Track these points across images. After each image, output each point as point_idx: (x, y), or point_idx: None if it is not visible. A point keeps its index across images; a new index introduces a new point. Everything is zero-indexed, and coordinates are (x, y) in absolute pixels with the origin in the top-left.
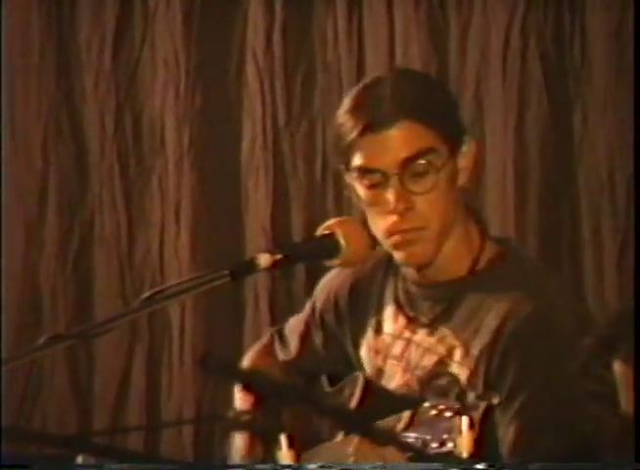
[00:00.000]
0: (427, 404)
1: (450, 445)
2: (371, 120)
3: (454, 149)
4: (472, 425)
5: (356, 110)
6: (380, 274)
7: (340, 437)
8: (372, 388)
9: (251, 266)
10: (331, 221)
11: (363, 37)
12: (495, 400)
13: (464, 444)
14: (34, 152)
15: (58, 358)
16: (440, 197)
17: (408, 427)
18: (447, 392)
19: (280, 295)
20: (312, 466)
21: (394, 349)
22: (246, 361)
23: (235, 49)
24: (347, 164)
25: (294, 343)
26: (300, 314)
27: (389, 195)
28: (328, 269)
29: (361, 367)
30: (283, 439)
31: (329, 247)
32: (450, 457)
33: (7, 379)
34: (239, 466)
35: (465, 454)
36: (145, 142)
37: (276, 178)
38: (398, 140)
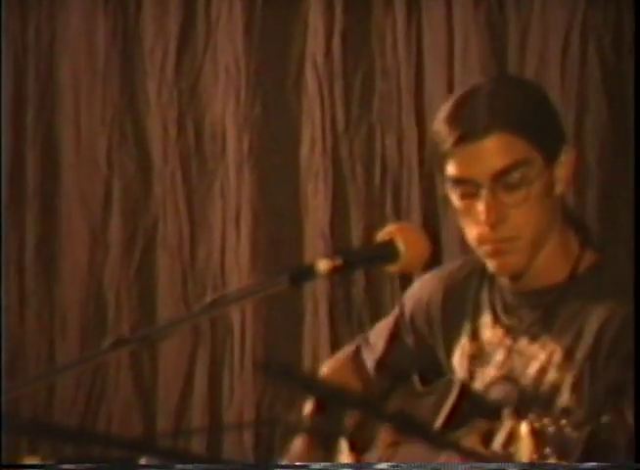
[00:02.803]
0: (531, 416)
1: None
2: (465, 131)
3: (551, 159)
4: (534, 431)
5: (452, 119)
6: (475, 281)
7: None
8: (467, 393)
9: (310, 272)
10: (390, 227)
11: (422, 42)
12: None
13: (524, 448)
14: (99, 158)
15: (122, 361)
16: (534, 208)
17: (506, 442)
18: (548, 401)
19: (339, 300)
20: (382, 465)
21: (495, 356)
22: (326, 370)
23: (294, 55)
24: (442, 173)
25: (381, 342)
26: (387, 319)
27: (481, 206)
28: (388, 276)
29: (453, 373)
30: (344, 443)
31: (388, 252)
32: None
33: (72, 382)
34: (298, 466)
35: (525, 459)
36: (206, 148)
37: (335, 183)
38: (492, 151)
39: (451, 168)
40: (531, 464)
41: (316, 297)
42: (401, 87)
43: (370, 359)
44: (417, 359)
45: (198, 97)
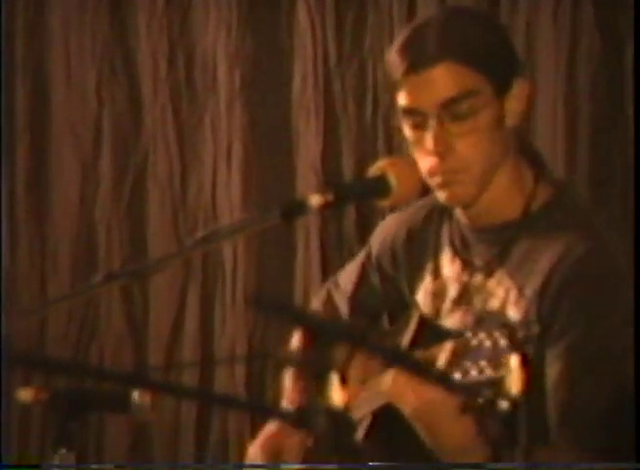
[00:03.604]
0: (468, 334)
1: (488, 372)
2: (414, 60)
3: (502, 90)
4: (524, 363)
5: (402, 49)
6: (435, 219)
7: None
8: (425, 324)
9: (302, 207)
10: (382, 161)
11: None
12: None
13: (513, 381)
14: (89, 92)
15: (113, 296)
16: (483, 139)
17: (450, 355)
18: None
19: (331, 235)
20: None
21: (453, 292)
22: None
23: None
24: (395, 103)
25: (349, 282)
26: (355, 261)
27: (429, 136)
28: (379, 210)
29: (418, 310)
30: (334, 377)
31: (380, 187)
32: (491, 385)
33: (64, 315)
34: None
35: (514, 391)
36: (197, 82)
37: (327, 118)
38: (440, 81)
39: (401, 98)
40: (532, 464)
41: (308, 231)
42: (393, 20)
43: (342, 302)
44: (385, 300)
45: (188, 30)
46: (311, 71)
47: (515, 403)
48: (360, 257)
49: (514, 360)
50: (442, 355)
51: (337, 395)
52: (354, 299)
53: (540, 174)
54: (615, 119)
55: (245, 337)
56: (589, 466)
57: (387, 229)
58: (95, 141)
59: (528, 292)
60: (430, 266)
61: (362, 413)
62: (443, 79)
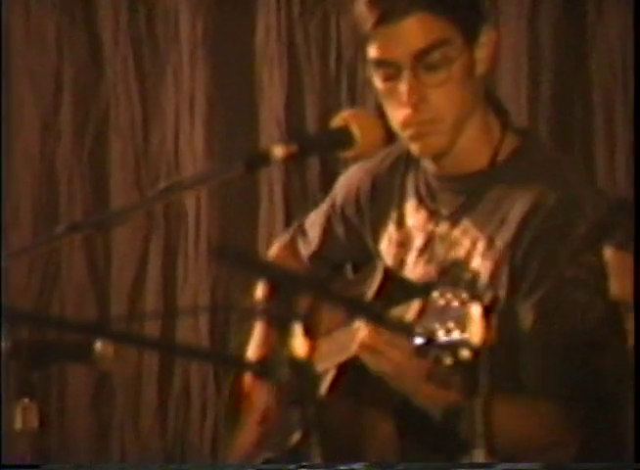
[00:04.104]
0: (435, 293)
1: (456, 333)
2: (385, 11)
3: (471, 39)
4: (486, 313)
5: (371, 1)
6: (401, 168)
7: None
8: (390, 277)
9: (265, 158)
10: (345, 113)
11: None
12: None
13: (475, 331)
14: (49, 43)
15: (75, 247)
16: (455, 89)
17: (417, 316)
18: (468, 284)
19: (294, 186)
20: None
21: (417, 241)
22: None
23: None
24: (365, 55)
25: (315, 235)
26: (320, 209)
27: (402, 87)
28: (342, 162)
29: (381, 259)
30: (298, 328)
31: (343, 138)
32: (458, 345)
33: (26, 267)
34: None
35: (476, 341)
36: (159, 33)
37: (290, 69)
38: (411, 31)
39: (372, 50)
40: (533, 464)
41: (271, 183)
42: None
43: (305, 250)
44: (349, 249)
45: None
46: (274, 23)
47: (476, 353)
48: (324, 207)
49: (475, 310)
50: (409, 316)
51: (300, 345)
52: (319, 250)
53: (506, 123)
54: (576, 65)
55: (208, 288)
56: (589, 466)
57: (351, 179)
58: (55, 92)
59: (499, 243)
60: (394, 216)
61: (327, 366)
62: (415, 30)
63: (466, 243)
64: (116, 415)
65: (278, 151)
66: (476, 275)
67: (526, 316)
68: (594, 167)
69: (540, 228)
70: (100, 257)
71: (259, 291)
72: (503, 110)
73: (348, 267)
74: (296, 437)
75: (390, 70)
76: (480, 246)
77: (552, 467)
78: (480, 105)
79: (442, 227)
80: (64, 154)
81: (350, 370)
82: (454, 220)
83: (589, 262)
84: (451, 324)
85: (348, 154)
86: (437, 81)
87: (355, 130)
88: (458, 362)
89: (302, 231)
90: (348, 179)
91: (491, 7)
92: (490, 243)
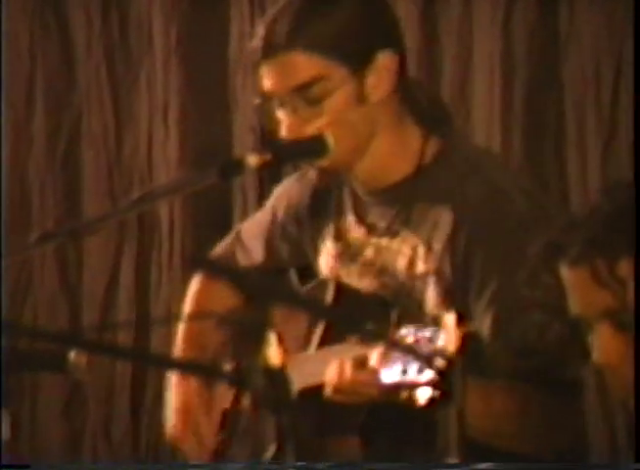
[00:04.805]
0: (402, 333)
1: (428, 372)
2: (268, 47)
3: (359, 68)
4: (459, 321)
5: (261, 34)
6: (337, 182)
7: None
8: (344, 291)
9: (239, 166)
10: (321, 121)
11: None
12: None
13: (449, 339)
14: (21, 49)
15: (48, 256)
16: (339, 119)
17: (381, 358)
18: (420, 293)
19: (268, 195)
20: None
21: (359, 255)
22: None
23: None
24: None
25: (258, 248)
26: (258, 220)
27: (285, 121)
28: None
29: (322, 273)
30: (272, 336)
31: (318, 147)
32: (428, 383)
33: None
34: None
35: (450, 349)
36: (132, 40)
37: None
38: (289, 68)
39: (262, 80)
40: (533, 464)
41: (245, 191)
42: None
43: (244, 260)
44: (291, 262)
45: None
46: (248, 30)
47: (451, 362)
48: (265, 218)
49: (450, 319)
50: (374, 357)
51: (274, 354)
52: (264, 263)
53: (430, 130)
54: (549, 74)
55: (181, 297)
56: (589, 466)
57: (290, 192)
58: (28, 99)
59: (437, 246)
60: (331, 228)
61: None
62: (292, 67)
63: (407, 251)
64: (89, 424)
65: (252, 159)
66: (422, 281)
67: (483, 320)
68: (565, 173)
69: (472, 226)
70: (72, 266)
71: (234, 300)
72: (426, 116)
73: (293, 274)
74: (271, 447)
75: (275, 101)
76: (421, 252)
77: (552, 467)
78: (385, 124)
79: (382, 240)
80: (36, 161)
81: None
82: (392, 232)
83: (546, 282)
84: (419, 366)
85: (323, 163)
86: (317, 114)
87: (330, 139)
88: (432, 402)
89: (240, 241)
90: (287, 192)
91: (465, 13)
92: (429, 247)
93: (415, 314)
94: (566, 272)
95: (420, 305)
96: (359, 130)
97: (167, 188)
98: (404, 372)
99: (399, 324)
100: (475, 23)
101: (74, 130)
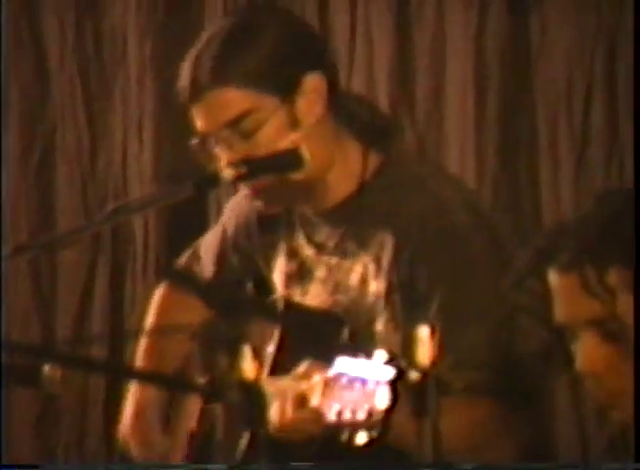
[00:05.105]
0: (335, 373)
1: (365, 412)
2: (194, 86)
3: (288, 94)
4: (433, 334)
5: (187, 73)
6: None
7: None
8: (295, 308)
9: (214, 180)
10: (296, 134)
11: None
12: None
13: (423, 351)
14: None
15: (21, 268)
16: (274, 148)
17: (322, 394)
18: (371, 311)
19: None
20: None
21: (317, 274)
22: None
23: None
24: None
25: (209, 262)
26: (212, 234)
27: (222, 158)
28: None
29: (275, 290)
30: (246, 349)
31: (293, 160)
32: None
33: None
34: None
35: (424, 362)
36: (106, 54)
37: None
38: (217, 106)
39: (193, 118)
40: (532, 464)
41: (220, 204)
42: None
43: (200, 274)
44: (245, 275)
45: (97, 0)
46: None
47: (425, 374)
48: (216, 233)
49: (424, 331)
50: (317, 387)
51: (249, 367)
52: (214, 277)
53: (370, 145)
54: (521, 87)
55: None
56: (589, 466)
57: (241, 207)
58: (1, 113)
59: (385, 263)
60: (283, 247)
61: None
62: (222, 104)
63: (358, 269)
64: (62, 438)
65: (227, 173)
66: (374, 298)
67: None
68: (538, 185)
69: (414, 239)
70: (46, 278)
71: (208, 313)
72: (366, 130)
73: (250, 287)
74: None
75: (208, 138)
76: (371, 269)
77: (551, 467)
78: (326, 142)
79: (332, 259)
80: (10, 174)
81: None
82: (341, 250)
83: (533, 288)
84: (355, 406)
85: (298, 176)
86: (252, 146)
87: (305, 152)
88: (370, 443)
89: (197, 256)
90: (238, 206)
91: (438, 28)
92: (378, 265)
93: (366, 331)
94: (555, 278)
95: (371, 321)
96: (330, 144)
97: (142, 201)
98: (340, 414)
99: (351, 341)
100: (447, 38)
101: (49, 144)
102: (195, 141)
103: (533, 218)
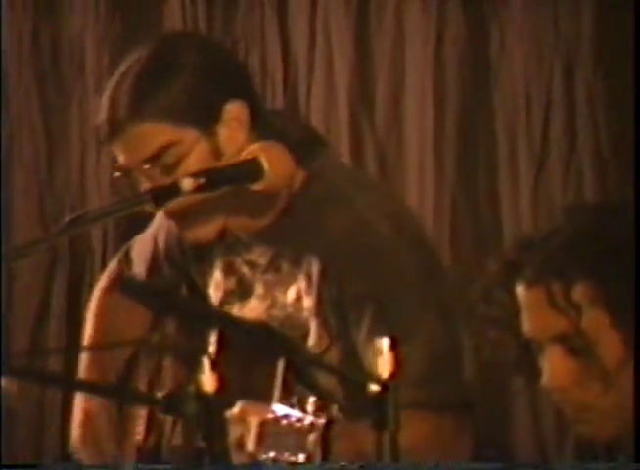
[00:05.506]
0: (271, 415)
1: (302, 457)
2: (111, 124)
3: (209, 125)
4: (393, 345)
5: (104, 110)
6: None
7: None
8: (229, 319)
9: (173, 190)
10: (254, 145)
11: None
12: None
13: (383, 364)
14: None
15: None
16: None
17: (257, 440)
18: (305, 326)
19: None
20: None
21: (254, 291)
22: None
23: None
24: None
25: (141, 270)
26: (144, 241)
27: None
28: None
29: (212, 304)
30: (205, 362)
31: (252, 171)
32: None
33: None
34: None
35: (385, 375)
36: (64, 65)
37: None
38: (136, 141)
39: (114, 153)
40: (530, 464)
41: None
42: (264, 3)
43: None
44: (178, 283)
45: (53, 10)
46: None
47: (385, 387)
48: (147, 246)
49: (384, 343)
50: (251, 434)
51: (208, 380)
52: (150, 287)
53: (299, 162)
54: (480, 99)
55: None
56: (589, 466)
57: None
58: None
59: (315, 278)
60: (219, 263)
61: None
62: (140, 139)
63: (292, 285)
64: (19, 452)
65: (186, 183)
66: (308, 314)
67: (367, 350)
68: (498, 197)
69: (341, 258)
70: (2, 290)
71: (170, 326)
72: (296, 145)
73: (184, 289)
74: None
75: (131, 174)
76: (303, 285)
77: (547, 467)
78: (274, 156)
79: (266, 276)
80: None
81: None
82: (275, 267)
83: (501, 300)
84: (296, 450)
85: (257, 186)
86: (176, 178)
87: (264, 163)
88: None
89: (128, 261)
90: (168, 222)
91: (398, 40)
92: (309, 281)
93: (301, 347)
94: (521, 292)
95: (305, 336)
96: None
97: (100, 212)
98: (275, 461)
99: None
100: (407, 49)
101: (6, 155)
102: (118, 174)
103: (493, 230)
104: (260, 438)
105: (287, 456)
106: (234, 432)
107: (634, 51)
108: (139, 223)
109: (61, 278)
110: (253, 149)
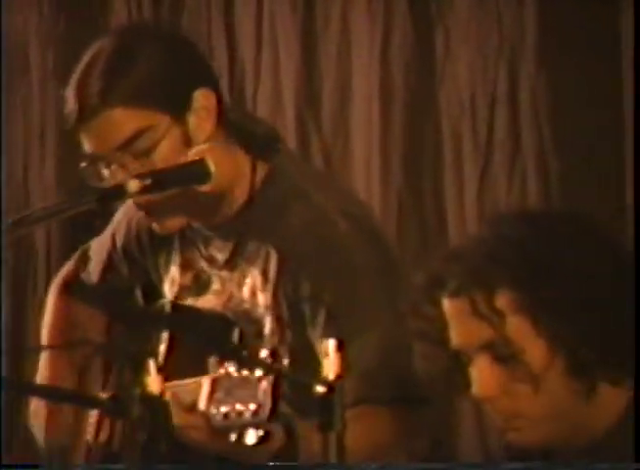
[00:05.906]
0: (222, 370)
1: (252, 407)
2: (82, 109)
3: (180, 112)
4: (339, 347)
5: (72, 95)
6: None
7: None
8: (183, 310)
9: (119, 191)
10: (200, 147)
11: None
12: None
13: (330, 365)
14: None
15: None
16: (171, 163)
17: (208, 395)
18: (260, 322)
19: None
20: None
21: (210, 286)
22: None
23: None
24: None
25: (96, 269)
26: (102, 240)
27: (112, 179)
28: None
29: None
30: (151, 364)
31: (198, 172)
32: (254, 423)
33: None
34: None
35: (332, 377)
36: (8, 63)
37: None
38: (108, 127)
39: (82, 143)
40: (529, 464)
41: None
42: (210, 4)
43: (87, 280)
44: (134, 282)
45: None
46: None
47: (331, 388)
48: (104, 245)
49: (331, 344)
50: (202, 391)
51: (153, 382)
52: (99, 283)
53: (258, 157)
54: (426, 101)
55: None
56: (589, 467)
57: (130, 216)
58: None
59: (272, 275)
60: (176, 259)
61: None
62: (112, 125)
63: (248, 281)
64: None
65: (132, 184)
66: (263, 311)
67: (327, 339)
68: (443, 199)
69: (298, 254)
70: None
71: (115, 329)
72: (252, 141)
73: (139, 293)
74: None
75: (101, 161)
76: (259, 283)
77: (552, 467)
78: (221, 156)
79: (223, 272)
80: None
81: None
82: (233, 264)
83: (429, 313)
84: (246, 401)
85: (204, 188)
86: (147, 166)
87: (210, 164)
88: (261, 441)
89: (85, 262)
90: (128, 215)
91: (343, 43)
92: (265, 277)
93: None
94: (446, 304)
95: (260, 333)
96: (225, 158)
97: (44, 213)
98: (227, 416)
99: (241, 343)
100: (353, 50)
101: None
102: (83, 165)
103: (438, 230)
104: (212, 394)
105: (238, 407)
106: (187, 395)
107: (634, 51)
108: (84, 225)
109: (4, 279)
110: (200, 150)
